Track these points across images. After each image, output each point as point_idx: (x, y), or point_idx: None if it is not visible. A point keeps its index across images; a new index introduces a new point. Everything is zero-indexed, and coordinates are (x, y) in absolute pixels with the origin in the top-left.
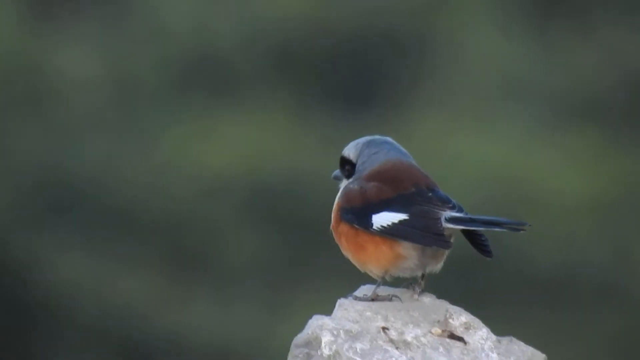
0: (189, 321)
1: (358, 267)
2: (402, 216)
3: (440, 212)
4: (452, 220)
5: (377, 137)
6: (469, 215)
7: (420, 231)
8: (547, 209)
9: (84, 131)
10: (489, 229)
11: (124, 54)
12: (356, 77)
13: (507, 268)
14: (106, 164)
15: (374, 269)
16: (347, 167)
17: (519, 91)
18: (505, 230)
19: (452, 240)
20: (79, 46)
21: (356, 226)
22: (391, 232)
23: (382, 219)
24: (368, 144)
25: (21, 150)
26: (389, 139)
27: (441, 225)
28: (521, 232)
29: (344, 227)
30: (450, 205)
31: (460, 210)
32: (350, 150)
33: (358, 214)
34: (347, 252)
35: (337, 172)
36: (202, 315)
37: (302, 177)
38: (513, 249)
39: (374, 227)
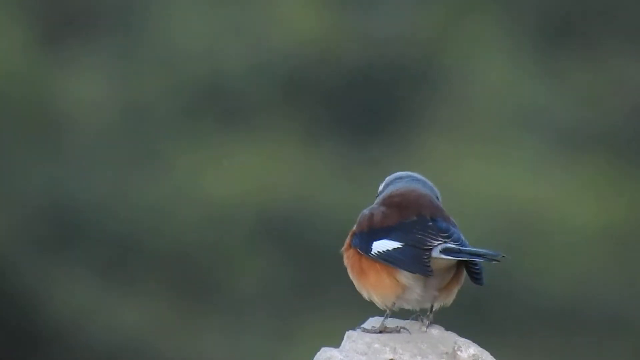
0: (197, 351)
1: (364, 295)
2: (397, 244)
3: (434, 241)
4: (443, 251)
5: (406, 172)
6: (457, 247)
7: (406, 258)
8: (558, 239)
9: (93, 158)
10: (473, 259)
11: (134, 81)
12: (367, 106)
13: (517, 299)
14: (114, 191)
15: (378, 299)
16: None
17: (529, 120)
18: (485, 260)
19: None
20: (89, 73)
21: (359, 251)
22: (384, 258)
23: (381, 245)
24: (392, 177)
25: (29, 176)
26: (417, 174)
27: (428, 255)
28: (494, 262)
29: (351, 252)
30: (446, 235)
31: (458, 240)
32: (381, 184)
33: (363, 239)
34: (352, 277)
35: None
36: (210, 344)
37: (311, 206)
38: (524, 280)
39: (373, 252)
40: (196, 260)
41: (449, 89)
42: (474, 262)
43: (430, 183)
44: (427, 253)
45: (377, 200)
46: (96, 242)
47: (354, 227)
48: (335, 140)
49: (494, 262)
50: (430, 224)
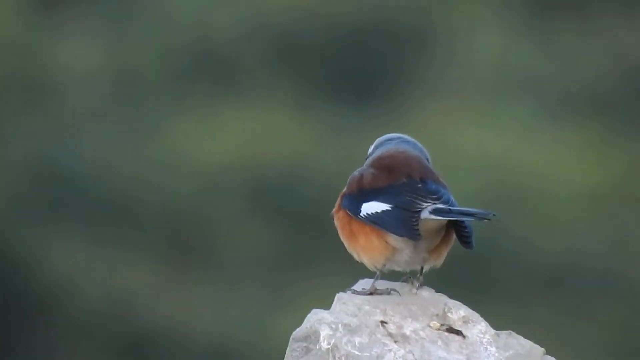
0: (189, 313)
1: (354, 256)
2: (385, 207)
3: (423, 204)
4: (433, 211)
5: (396, 134)
6: (447, 207)
7: (394, 221)
8: (547, 199)
9: (85, 123)
10: (462, 219)
11: (125, 48)
12: (357, 69)
13: (506, 261)
14: (107, 157)
15: (367, 261)
16: None
17: (520, 84)
18: (475, 219)
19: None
20: (81, 39)
21: (349, 213)
22: (372, 220)
23: (370, 207)
24: (381, 139)
25: (21, 142)
26: (407, 137)
27: (417, 218)
28: (485, 221)
29: (341, 213)
30: (435, 197)
31: (447, 202)
32: (371, 146)
33: (352, 201)
34: (342, 239)
35: None
36: (202, 307)
37: (303, 168)
38: (512, 239)
39: (361, 214)
40: (188, 224)
41: (443, 53)
42: (463, 226)
43: (420, 145)
44: (415, 215)
45: (367, 162)
46: (89, 208)
47: (344, 189)
48: (328, 105)
49: (485, 220)
50: (420, 185)
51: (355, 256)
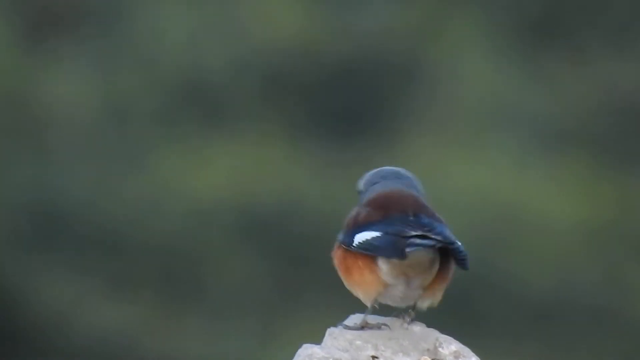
0: (178, 348)
1: (354, 293)
2: (375, 234)
3: (413, 232)
4: (419, 237)
5: (386, 168)
6: (433, 235)
7: (382, 244)
8: (538, 234)
9: (76, 155)
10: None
11: (115, 79)
12: (347, 103)
13: (497, 295)
14: (96, 190)
15: (361, 295)
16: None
17: (510, 118)
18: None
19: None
20: (71, 70)
21: (343, 245)
22: (363, 247)
23: (361, 236)
24: (375, 175)
25: (11, 173)
26: (399, 170)
27: (404, 242)
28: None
29: (338, 251)
30: (427, 229)
31: (439, 234)
32: (360, 182)
33: (347, 234)
34: (342, 276)
35: None
36: (192, 342)
37: (293, 204)
38: (503, 273)
39: (354, 244)
40: (178, 259)
41: (432, 86)
42: (457, 248)
43: (414, 180)
44: (403, 240)
45: (362, 201)
46: (79, 240)
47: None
48: (318, 138)
49: (458, 263)
50: (412, 218)
51: (353, 292)
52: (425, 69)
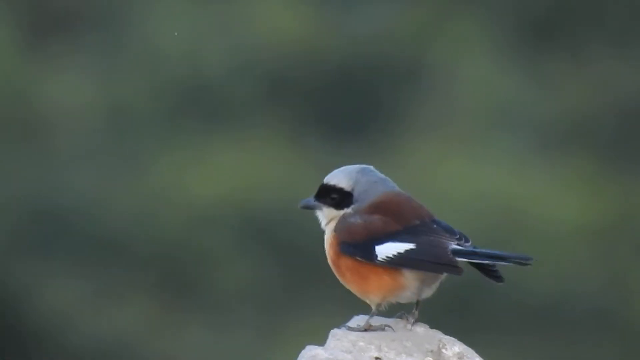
0: (181, 351)
1: (359, 296)
2: (408, 246)
3: (448, 242)
4: (456, 253)
5: (365, 165)
6: (471, 249)
7: (428, 260)
8: (540, 236)
9: (76, 159)
10: (492, 262)
11: (117, 82)
12: (350, 104)
13: (500, 297)
14: (98, 192)
15: (373, 297)
16: (335, 195)
17: (512, 119)
18: (509, 264)
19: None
20: (72, 74)
21: (359, 259)
22: (399, 262)
23: (387, 249)
24: (363, 172)
25: (11, 178)
26: (369, 167)
27: (450, 253)
28: (527, 265)
29: (347, 261)
30: (456, 236)
31: (465, 240)
32: (340, 179)
33: (361, 247)
34: (350, 284)
35: (310, 200)
36: (195, 343)
37: (294, 204)
38: (506, 277)
39: (379, 258)
40: (181, 260)
41: (432, 87)
42: (491, 264)
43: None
44: (448, 251)
45: (359, 202)
46: (81, 243)
47: (339, 236)
48: (319, 139)
49: (527, 265)
50: (435, 226)
51: (361, 295)
52: (427, 70)
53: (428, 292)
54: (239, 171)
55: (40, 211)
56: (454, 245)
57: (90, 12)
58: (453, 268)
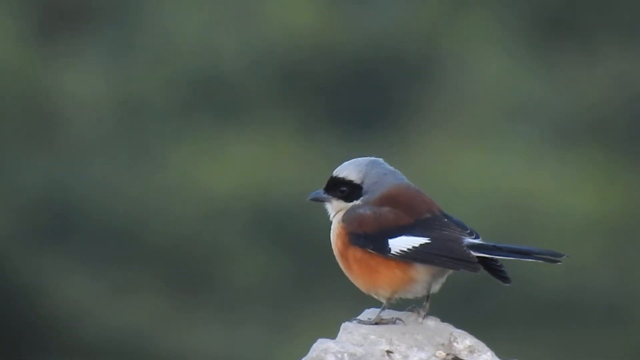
0: (193, 343)
1: (365, 290)
2: (423, 240)
3: (461, 237)
4: (473, 247)
5: (375, 158)
6: (492, 244)
7: (445, 255)
8: (553, 230)
9: (89, 153)
10: (517, 258)
11: (129, 75)
12: (362, 98)
13: (512, 290)
14: (111, 186)
15: (383, 292)
16: (344, 188)
17: (525, 113)
18: (537, 261)
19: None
20: (84, 67)
21: (370, 251)
22: (413, 257)
23: (401, 243)
24: (372, 164)
25: (24, 170)
26: (381, 160)
27: (467, 249)
28: (557, 263)
29: (356, 252)
30: (468, 231)
31: (475, 236)
32: (350, 171)
33: (372, 238)
34: (357, 277)
35: (320, 193)
36: (207, 337)
37: (305, 198)
38: (519, 271)
39: (392, 251)
40: (192, 253)
41: (446, 81)
42: (496, 261)
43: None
44: (464, 247)
45: (369, 195)
46: (92, 236)
47: (348, 227)
48: (331, 134)
49: (557, 262)
50: (446, 220)
51: (368, 289)
52: (439, 64)
53: (436, 287)
54: (252, 165)
55: (51, 205)
56: (470, 240)
57: (104, 5)
58: (470, 264)
